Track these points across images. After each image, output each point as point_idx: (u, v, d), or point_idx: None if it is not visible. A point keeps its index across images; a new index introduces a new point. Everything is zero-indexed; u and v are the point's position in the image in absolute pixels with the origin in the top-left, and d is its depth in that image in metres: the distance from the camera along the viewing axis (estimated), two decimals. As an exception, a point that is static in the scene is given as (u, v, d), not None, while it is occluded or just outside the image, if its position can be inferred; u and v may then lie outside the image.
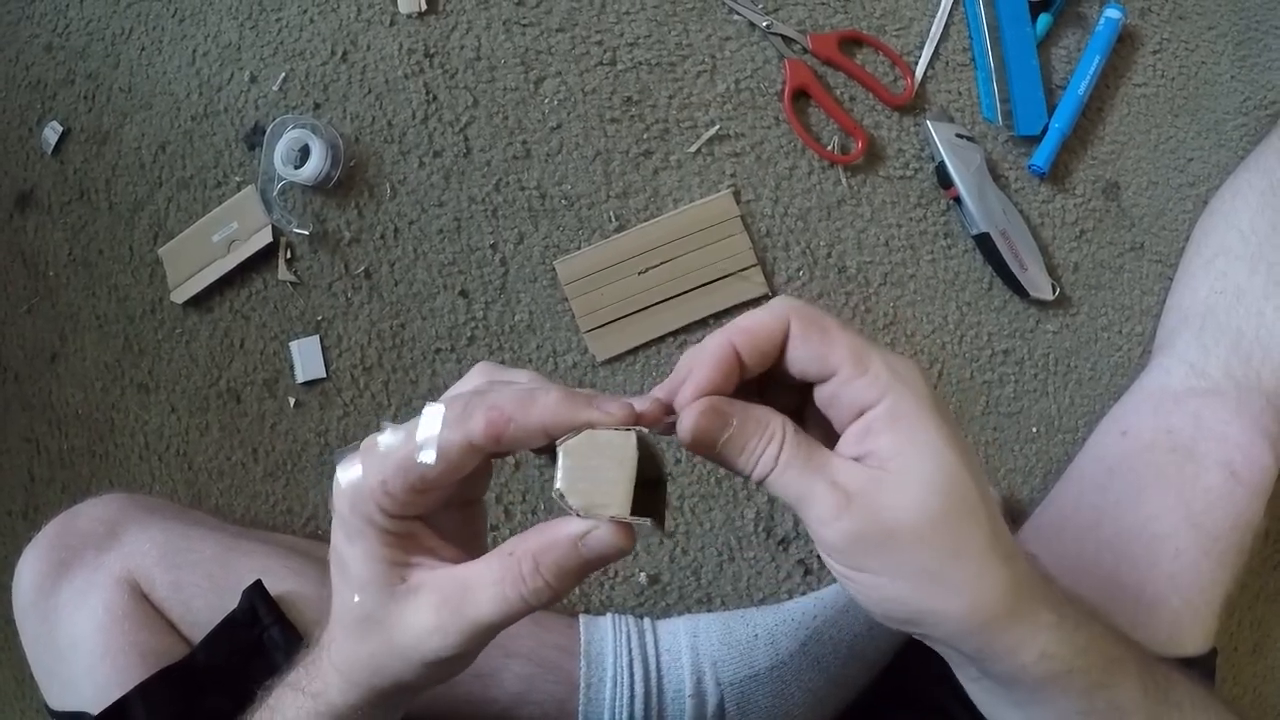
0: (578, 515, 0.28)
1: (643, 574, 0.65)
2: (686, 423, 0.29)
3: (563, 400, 0.28)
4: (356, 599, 0.30)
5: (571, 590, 0.30)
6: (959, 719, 0.54)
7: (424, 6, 0.65)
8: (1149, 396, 0.62)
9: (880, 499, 0.28)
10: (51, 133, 0.70)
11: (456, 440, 0.28)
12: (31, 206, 0.71)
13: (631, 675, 0.57)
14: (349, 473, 0.30)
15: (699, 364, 0.29)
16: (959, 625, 0.29)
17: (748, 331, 0.29)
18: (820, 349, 0.29)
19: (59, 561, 0.52)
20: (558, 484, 0.28)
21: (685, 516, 0.66)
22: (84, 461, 0.71)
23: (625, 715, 0.56)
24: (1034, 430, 0.68)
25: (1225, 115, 0.69)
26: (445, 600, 0.29)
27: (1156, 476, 0.57)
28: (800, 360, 0.29)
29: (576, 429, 0.28)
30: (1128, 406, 0.64)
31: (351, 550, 0.30)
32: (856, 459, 0.29)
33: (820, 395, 0.30)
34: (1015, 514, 0.67)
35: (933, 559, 0.28)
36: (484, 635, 0.30)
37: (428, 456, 0.28)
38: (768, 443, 0.29)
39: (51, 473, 0.71)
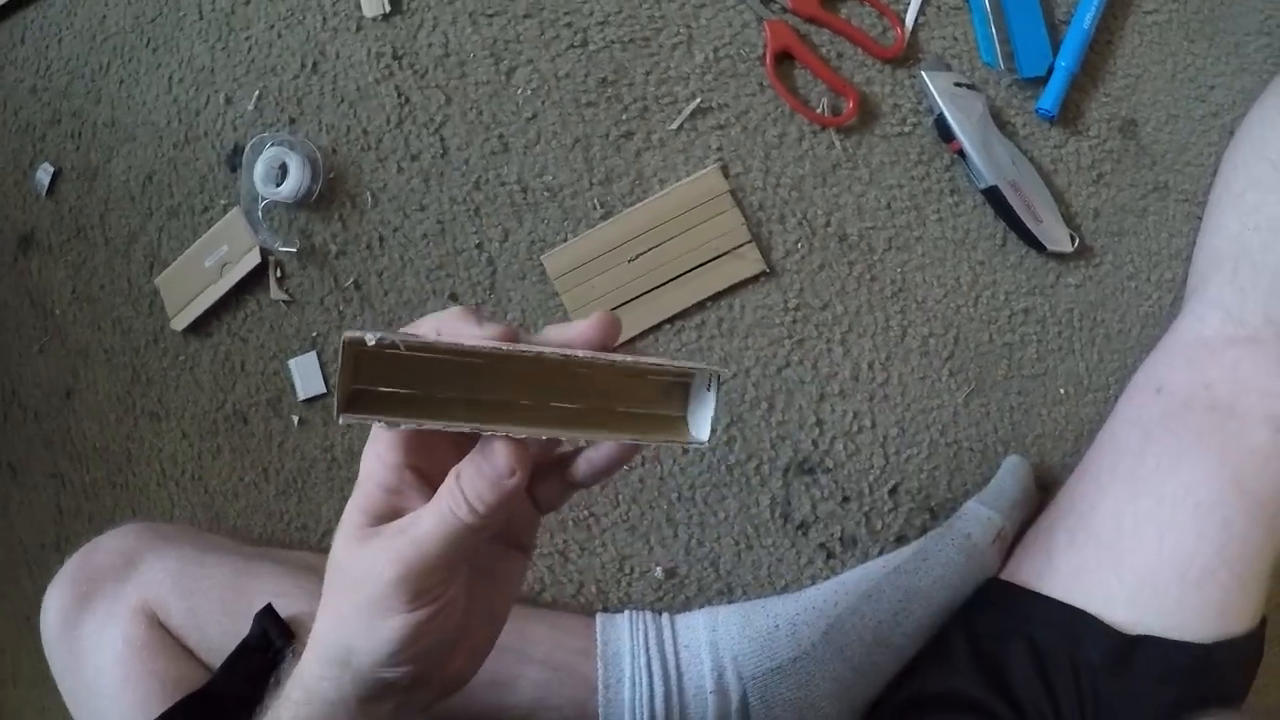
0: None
1: (659, 568, 0.64)
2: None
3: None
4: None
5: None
6: (1002, 716, 0.52)
7: (388, 8, 0.64)
8: (1183, 348, 0.58)
9: None
10: (44, 174, 0.71)
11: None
12: (33, 248, 0.72)
13: (650, 675, 0.56)
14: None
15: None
16: None
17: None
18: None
19: (80, 595, 0.54)
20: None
21: (698, 506, 0.64)
22: (107, 492, 0.72)
23: (645, 715, 0.55)
24: (1062, 391, 0.64)
25: (1246, 37, 0.64)
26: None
27: (1197, 438, 0.53)
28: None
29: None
30: (1160, 360, 0.60)
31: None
32: None
33: None
34: (1045, 482, 0.64)
35: None
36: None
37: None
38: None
39: (78, 505, 0.73)
